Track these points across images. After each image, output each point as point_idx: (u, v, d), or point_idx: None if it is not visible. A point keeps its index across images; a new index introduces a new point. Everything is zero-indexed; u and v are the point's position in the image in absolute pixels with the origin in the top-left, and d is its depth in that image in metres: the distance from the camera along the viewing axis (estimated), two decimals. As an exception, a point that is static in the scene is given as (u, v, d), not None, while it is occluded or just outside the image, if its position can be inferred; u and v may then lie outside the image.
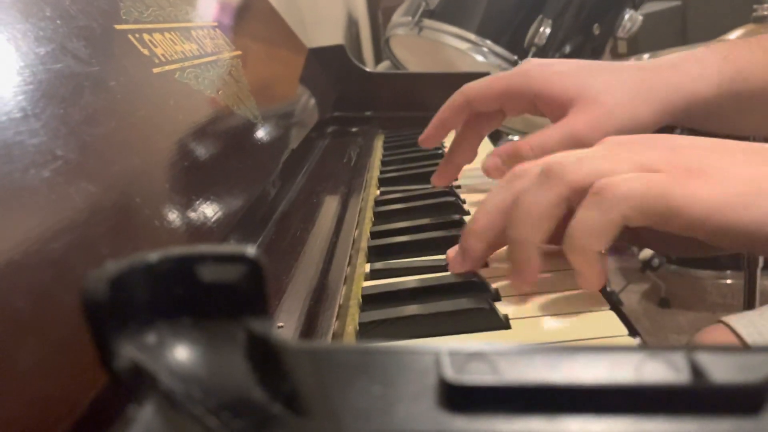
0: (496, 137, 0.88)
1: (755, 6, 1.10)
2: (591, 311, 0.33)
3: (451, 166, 0.55)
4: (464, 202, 0.53)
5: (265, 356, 0.16)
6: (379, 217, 0.52)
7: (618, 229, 0.30)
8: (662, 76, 0.45)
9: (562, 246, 0.32)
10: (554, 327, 0.32)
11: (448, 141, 0.78)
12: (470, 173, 0.61)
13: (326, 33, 1.79)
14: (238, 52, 0.62)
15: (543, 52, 1.02)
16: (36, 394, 0.20)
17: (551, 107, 0.47)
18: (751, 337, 0.27)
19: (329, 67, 0.91)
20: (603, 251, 0.31)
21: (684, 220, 0.28)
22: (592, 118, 0.44)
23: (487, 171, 0.50)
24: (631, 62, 0.49)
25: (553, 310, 0.34)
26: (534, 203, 0.32)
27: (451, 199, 0.52)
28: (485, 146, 0.75)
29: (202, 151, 0.42)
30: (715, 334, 0.28)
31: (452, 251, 0.38)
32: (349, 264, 0.42)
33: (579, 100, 0.45)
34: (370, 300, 0.37)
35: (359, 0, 2.08)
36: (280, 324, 0.33)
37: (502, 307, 0.34)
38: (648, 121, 0.44)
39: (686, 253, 0.34)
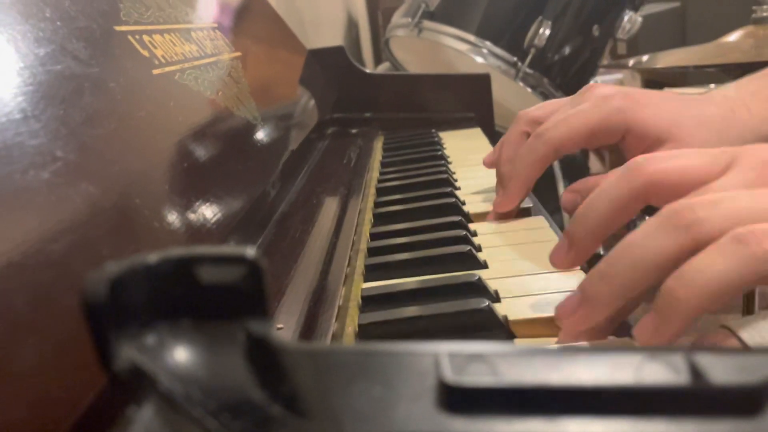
0: (493, 136, 0.88)
1: (754, 7, 1.10)
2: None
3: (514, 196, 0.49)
4: (464, 203, 0.53)
5: (265, 357, 0.16)
6: (379, 218, 0.52)
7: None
8: (738, 118, 0.44)
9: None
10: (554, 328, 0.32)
11: (448, 144, 0.78)
12: (470, 174, 0.62)
13: (326, 34, 1.79)
14: (238, 54, 0.62)
15: (542, 54, 1.02)
16: (35, 395, 0.20)
17: (639, 143, 0.45)
18: (753, 341, 0.27)
19: (329, 69, 0.91)
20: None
21: None
22: None
23: (567, 209, 0.45)
24: (711, 96, 0.46)
25: (552, 311, 0.34)
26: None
27: (451, 200, 0.52)
28: (481, 143, 0.75)
29: (201, 152, 0.42)
30: (717, 340, 0.28)
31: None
32: (348, 265, 0.42)
33: (671, 139, 0.44)
34: (370, 301, 0.37)
35: (359, 1, 2.08)
36: (280, 325, 0.33)
37: (502, 309, 0.34)
38: None
39: None
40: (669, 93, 0.47)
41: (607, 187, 0.33)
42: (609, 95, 0.45)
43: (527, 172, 0.47)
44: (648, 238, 0.28)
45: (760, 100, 0.44)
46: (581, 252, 0.34)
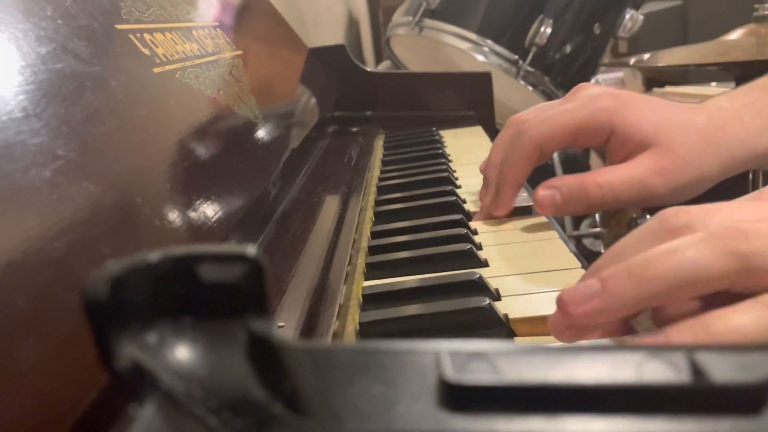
0: (494, 134, 0.88)
1: (756, 6, 1.09)
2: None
3: (503, 199, 0.49)
4: (464, 201, 0.53)
5: (266, 356, 0.16)
6: (380, 216, 0.52)
7: None
8: (730, 129, 0.43)
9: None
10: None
11: (449, 142, 0.78)
12: (471, 172, 0.62)
13: (327, 33, 1.79)
14: (239, 52, 0.62)
15: (544, 52, 1.02)
16: (37, 394, 0.20)
17: (622, 146, 0.44)
18: None
19: (330, 67, 0.91)
20: None
21: None
22: (665, 169, 0.42)
23: (541, 206, 0.44)
24: (705, 105, 0.45)
25: (553, 309, 0.34)
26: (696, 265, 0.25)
27: (452, 198, 0.52)
28: (482, 141, 0.75)
29: (202, 150, 0.42)
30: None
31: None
32: (349, 263, 0.42)
33: (654, 144, 0.43)
34: (371, 299, 0.37)
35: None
36: (281, 323, 0.33)
37: (502, 307, 0.34)
38: (714, 176, 0.43)
39: None
40: (659, 98, 0.46)
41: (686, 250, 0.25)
42: (597, 95, 0.45)
43: (514, 172, 0.47)
44: (698, 253, 0.25)
45: (752, 113, 0.44)
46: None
